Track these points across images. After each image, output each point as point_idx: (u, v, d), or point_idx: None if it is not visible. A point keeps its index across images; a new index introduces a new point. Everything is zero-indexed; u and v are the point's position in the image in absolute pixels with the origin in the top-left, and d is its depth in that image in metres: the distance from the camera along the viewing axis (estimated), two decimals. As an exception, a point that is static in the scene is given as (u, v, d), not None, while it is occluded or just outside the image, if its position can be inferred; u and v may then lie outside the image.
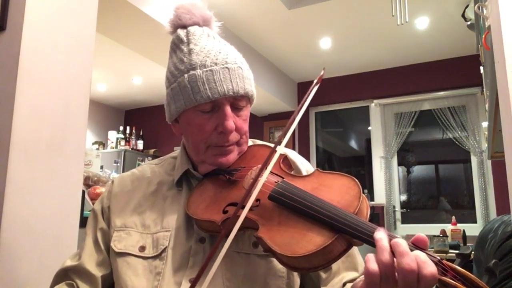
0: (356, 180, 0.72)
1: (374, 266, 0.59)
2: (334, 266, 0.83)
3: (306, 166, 0.93)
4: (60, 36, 1.48)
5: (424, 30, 3.93)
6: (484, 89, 2.22)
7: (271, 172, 0.78)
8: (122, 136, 5.66)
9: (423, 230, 4.30)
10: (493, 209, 4.18)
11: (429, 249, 0.62)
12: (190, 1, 0.90)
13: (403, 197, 4.81)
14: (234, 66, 0.83)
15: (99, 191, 1.98)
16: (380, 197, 4.72)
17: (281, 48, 4.40)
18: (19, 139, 1.31)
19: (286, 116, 5.23)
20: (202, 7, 0.90)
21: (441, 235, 3.51)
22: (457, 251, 3.27)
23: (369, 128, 5.01)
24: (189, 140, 0.88)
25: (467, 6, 3.21)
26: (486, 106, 1.91)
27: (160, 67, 3.78)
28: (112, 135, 5.67)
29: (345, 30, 4.00)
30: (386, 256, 0.58)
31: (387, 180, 4.72)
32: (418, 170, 4.87)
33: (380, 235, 0.61)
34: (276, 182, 0.76)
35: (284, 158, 0.87)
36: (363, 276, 0.81)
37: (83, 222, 1.49)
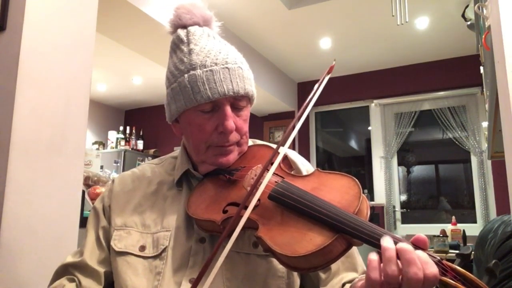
0: (356, 180, 0.72)
1: (376, 276, 0.58)
2: (334, 266, 0.83)
3: (306, 166, 0.93)
4: (60, 36, 1.48)
5: (424, 30, 3.93)
6: (484, 89, 2.22)
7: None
8: (122, 136, 5.66)
9: (423, 230, 4.30)
10: (493, 209, 4.18)
11: (429, 249, 0.62)
12: (190, 1, 0.90)
13: (403, 197, 4.81)
14: (234, 66, 0.83)
15: (99, 191, 1.98)
16: (380, 197, 4.72)
17: (281, 48, 4.40)
18: (19, 139, 1.31)
19: (286, 116, 5.23)
20: (203, 7, 0.90)
21: (441, 235, 3.51)
22: (457, 251, 3.27)
23: (369, 128, 5.01)
24: (189, 140, 0.88)
25: (467, 6, 3.21)
26: (486, 106, 1.91)
27: (160, 67, 3.78)
28: (112, 135, 5.67)
29: (345, 30, 4.01)
30: (393, 268, 0.57)
31: (387, 180, 4.72)
32: (418, 170, 4.87)
33: (388, 243, 0.59)
34: (276, 182, 0.76)
35: (285, 158, 0.87)
36: (362, 275, 0.81)
37: (83, 222, 1.49)
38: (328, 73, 0.83)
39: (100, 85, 5.46)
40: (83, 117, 1.54)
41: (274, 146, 0.92)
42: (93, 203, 0.97)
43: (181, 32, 0.87)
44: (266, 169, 0.74)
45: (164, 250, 0.82)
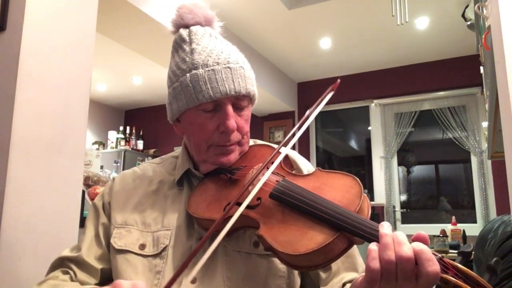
0: (357, 179, 0.72)
1: (376, 265, 0.59)
2: (334, 266, 0.83)
3: (307, 166, 0.94)
4: (60, 36, 1.48)
5: (424, 30, 3.93)
6: (484, 89, 2.22)
7: (272, 172, 0.78)
8: (122, 136, 5.66)
9: (423, 230, 4.21)
10: (493, 209, 4.17)
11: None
12: (192, 1, 0.90)
13: (403, 197, 4.81)
14: (236, 66, 0.84)
15: (99, 191, 1.98)
16: (380, 197, 4.72)
17: (281, 48, 4.40)
18: (19, 139, 1.31)
19: (286, 116, 5.23)
20: (204, 7, 0.91)
21: (441, 235, 3.51)
22: (457, 251, 3.27)
23: (369, 128, 5.01)
24: (190, 140, 0.88)
25: (467, 6, 3.21)
26: (486, 106, 1.91)
27: (160, 67, 3.78)
28: (112, 135, 5.67)
29: (345, 30, 4.00)
30: (389, 253, 0.59)
31: (387, 180, 4.72)
32: (418, 170, 4.87)
33: (386, 230, 0.61)
34: (277, 181, 0.76)
35: (285, 158, 0.87)
36: (362, 274, 0.81)
37: (83, 222, 1.48)
38: (332, 90, 0.83)
39: (100, 85, 5.46)
40: (83, 117, 1.54)
41: (275, 146, 0.92)
42: (91, 204, 0.97)
43: (183, 32, 0.88)
44: (265, 166, 0.74)
45: (164, 249, 0.82)
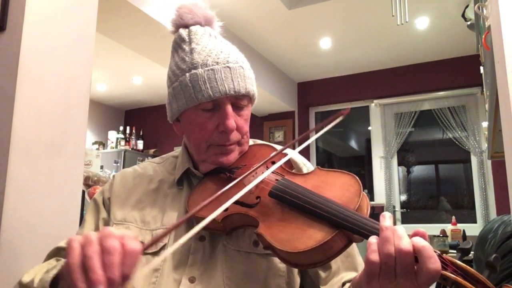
0: (357, 178, 0.72)
1: (375, 258, 0.59)
2: (334, 265, 0.83)
3: (307, 166, 0.94)
4: (60, 36, 1.48)
5: (424, 30, 3.93)
6: (484, 89, 2.22)
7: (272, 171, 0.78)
8: (122, 136, 5.66)
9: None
10: (493, 209, 4.18)
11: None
12: (192, 1, 0.90)
13: (403, 197, 4.81)
14: (236, 65, 0.84)
15: (98, 190, 1.98)
16: (380, 197, 4.72)
17: (281, 48, 4.40)
18: (19, 139, 1.31)
19: (286, 116, 5.23)
20: (204, 7, 0.91)
21: (441, 235, 3.51)
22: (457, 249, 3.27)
23: (369, 128, 5.01)
24: (190, 139, 0.88)
25: (467, 6, 3.21)
26: (486, 106, 1.91)
27: (160, 67, 3.78)
28: (112, 135, 5.67)
29: (345, 30, 4.00)
30: (389, 248, 0.58)
31: (387, 180, 4.72)
32: (418, 170, 4.87)
33: (387, 222, 0.61)
34: (277, 180, 0.76)
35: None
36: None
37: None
38: (342, 114, 0.84)
39: (100, 85, 5.46)
40: (83, 117, 1.54)
41: (275, 146, 0.93)
42: (91, 200, 0.97)
43: (183, 32, 0.88)
44: (264, 163, 0.74)
45: (163, 247, 0.82)
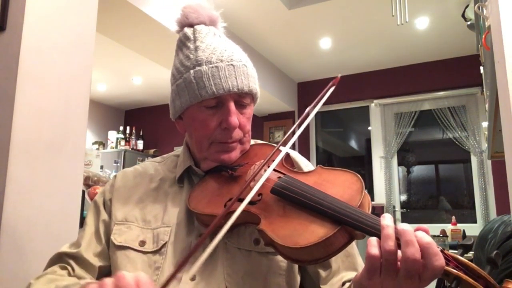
0: (359, 176, 0.72)
1: (375, 251, 0.59)
2: (334, 265, 0.83)
3: (309, 167, 0.94)
4: (60, 36, 1.48)
5: (424, 30, 3.93)
6: (484, 89, 2.22)
7: (273, 169, 0.78)
8: (122, 136, 5.66)
9: (423, 230, 4.28)
10: (493, 209, 4.18)
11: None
12: (197, 1, 0.92)
13: (403, 197, 4.81)
14: (239, 63, 0.85)
15: (99, 191, 1.98)
16: (380, 197, 4.72)
17: (281, 48, 4.40)
18: (19, 139, 1.31)
19: (286, 116, 5.23)
20: (209, 7, 0.92)
21: (441, 235, 3.51)
22: (456, 251, 3.27)
23: (369, 128, 5.01)
24: (192, 136, 0.89)
25: (467, 6, 3.21)
26: (486, 106, 1.91)
27: (160, 67, 3.77)
28: (112, 135, 5.67)
29: (345, 30, 4.01)
30: (390, 244, 0.58)
31: (387, 180, 4.72)
32: (418, 170, 4.87)
33: (387, 221, 0.60)
34: (279, 177, 0.77)
35: (287, 157, 0.88)
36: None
37: (83, 222, 1.48)
38: (333, 84, 0.84)
39: (100, 85, 5.46)
40: (83, 117, 1.54)
41: (276, 145, 0.93)
42: (92, 201, 0.97)
43: (188, 30, 0.89)
44: (266, 162, 0.75)
45: (164, 245, 0.82)
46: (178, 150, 1.00)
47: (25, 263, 1.30)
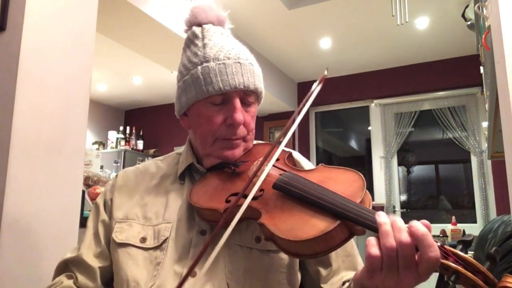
0: (360, 174, 0.73)
1: (376, 251, 0.59)
2: (334, 264, 0.84)
3: (310, 167, 0.94)
4: (60, 36, 1.48)
5: (424, 30, 3.93)
6: (484, 89, 2.22)
7: (276, 166, 0.80)
8: (122, 136, 5.67)
9: (423, 230, 4.28)
10: (493, 209, 4.18)
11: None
12: (206, 2, 0.94)
13: (403, 197, 4.81)
14: (246, 62, 0.86)
15: (99, 191, 1.98)
16: (380, 197, 4.72)
17: (281, 48, 4.40)
18: (19, 139, 1.31)
19: (286, 116, 5.23)
20: (217, 8, 0.94)
21: (441, 235, 3.51)
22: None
23: (369, 128, 5.01)
24: (197, 133, 0.90)
25: (467, 6, 3.21)
26: (486, 106, 1.91)
27: (160, 67, 3.78)
28: (112, 135, 5.67)
29: (345, 30, 4.01)
30: (390, 240, 0.58)
31: (387, 180, 4.72)
32: (418, 170, 4.87)
33: (383, 219, 0.61)
34: (280, 174, 0.77)
35: (289, 156, 0.89)
36: None
37: (83, 222, 1.49)
38: (320, 83, 0.84)
39: (100, 85, 5.46)
40: (83, 117, 1.54)
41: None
42: (93, 203, 0.98)
43: (196, 29, 0.91)
44: (267, 158, 0.75)
45: (164, 241, 0.83)
46: (180, 149, 1.01)
47: (25, 263, 1.30)
